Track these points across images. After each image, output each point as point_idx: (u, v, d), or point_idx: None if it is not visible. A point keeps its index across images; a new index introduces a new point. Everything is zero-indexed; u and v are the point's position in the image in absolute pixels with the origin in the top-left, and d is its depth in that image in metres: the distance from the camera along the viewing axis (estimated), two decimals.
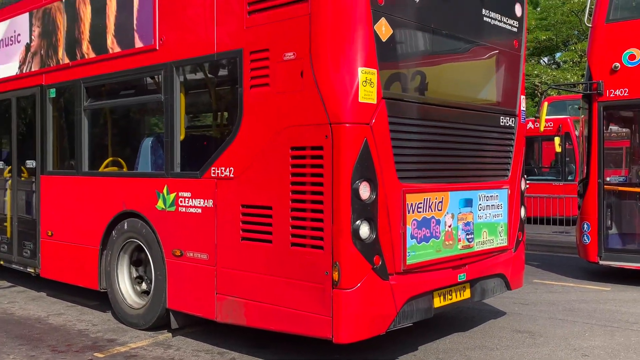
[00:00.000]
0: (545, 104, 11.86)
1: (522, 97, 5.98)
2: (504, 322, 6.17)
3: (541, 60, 29.92)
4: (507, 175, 5.75)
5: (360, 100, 4.21)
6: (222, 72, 5.50)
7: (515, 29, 5.82)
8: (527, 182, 14.31)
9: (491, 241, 5.51)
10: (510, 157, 5.79)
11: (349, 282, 4.17)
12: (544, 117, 9.84)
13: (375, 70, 4.29)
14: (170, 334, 5.56)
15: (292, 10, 4.42)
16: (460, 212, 5.11)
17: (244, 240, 4.76)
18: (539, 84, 26.70)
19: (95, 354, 5.04)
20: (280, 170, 4.49)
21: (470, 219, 5.23)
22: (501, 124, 5.67)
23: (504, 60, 5.78)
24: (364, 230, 4.21)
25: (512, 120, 5.80)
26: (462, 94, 5.43)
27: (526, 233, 11.67)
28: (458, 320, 6.12)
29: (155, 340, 5.42)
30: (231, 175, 4.85)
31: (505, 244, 5.70)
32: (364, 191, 4.21)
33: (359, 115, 4.21)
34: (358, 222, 4.18)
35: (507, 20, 5.72)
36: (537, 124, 12.00)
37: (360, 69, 4.21)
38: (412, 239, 4.60)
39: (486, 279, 5.50)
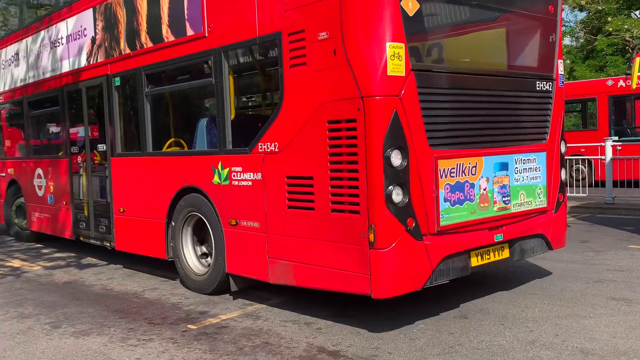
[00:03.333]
0: (638, 59, 11.05)
1: (560, 61, 6.07)
2: (597, 289, 5.91)
3: (632, 14, 28.15)
4: (545, 139, 5.89)
5: (389, 73, 4.50)
6: (264, 54, 5.91)
7: None
8: (620, 143, 13.99)
9: (529, 203, 5.70)
10: (548, 121, 5.92)
11: (384, 242, 4.53)
12: (636, 74, 9.37)
13: (402, 44, 4.56)
14: (258, 305, 5.78)
15: None
16: (495, 176, 5.33)
17: (290, 209, 5.19)
18: (630, 39, 25.44)
19: (189, 326, 5.26)
20: (318, 143, 4.86)
21: (506, 181, 5.44)
22: (537, 88, 5.80)
23: (538, 26, 5.88)
24: (397, 195, 4.54)
25: (549, 85, 5.91)
26: (494, 61, 5.61)
27: (618, 197, 11.55)
28: (548, 289, 5.98)
29: (244, 312, 5.61)
30: (276, 150, 5.28)
31: (545, 206, 5.87)
32: (396, 159, 4.53)
33: (388, 87, 4.51)
34: (390, 187, 4.51)
35: None
36: (628, 82, 11.41)
37: (388, 44, 4.50)
38: (445, 202, 4.89)
39: (525, 239, 5.70)
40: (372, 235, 4.53)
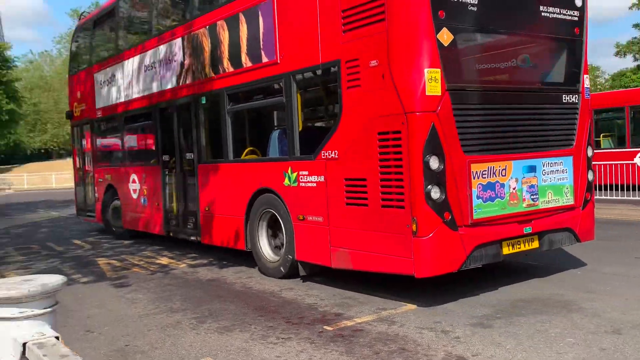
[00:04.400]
0: None
1: (586, 76, 6.89)
2: None
3: None
4: (571, 145, 6.73)
5: (427, 93, 5.52)
6: (326, 78, 7.05)
7: (575, 18, 6.76)
8: None
9: (557, 200, 6.56)
10: (575, 129, 6.76)
11: (424, 232, 5.54)
12: None
13: (438, 70, 5.58)
14: (392, 310, 5.80)
15: (373, 28, 5.83)
16: (524, 177, 6.24)
17: (348, 205, 6.29)
18: None
19: (325, 327, 5.35)
20: (370, 150, 5.94)
21: (534, 182, 6.33)
22: (564, 101, 6.67)
23: (564, 47, 6.75)
24: (435, 193, 5.54)
25: (575, 97, 6.75)
26: (522, 78, 6.53)
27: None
28: None
29: (378, 316, 5.62)
30: (336, 157, 6.39)
31: (572, 203, 6.70)
32: (433, 163, 5.54)
33: (426, 105, 5.53)
34: (429, 186, 5.52)
35: (567, 11, 6.67)
36: None
37: (426, 70, 5.52)
38: (477, 199, 5.85)
39: (554, 232, 6.56)
40: (414, 226, 5.55)
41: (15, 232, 14.47)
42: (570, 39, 6.75)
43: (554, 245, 6.65)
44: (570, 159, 6.70)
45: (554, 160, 6.54)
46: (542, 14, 6.47)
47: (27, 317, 1.33)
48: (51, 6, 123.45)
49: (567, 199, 6.67)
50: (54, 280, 1.41)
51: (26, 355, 1.43)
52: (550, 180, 6.50)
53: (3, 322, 1.32)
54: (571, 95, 6.73)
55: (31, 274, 7.49)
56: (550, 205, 6.49)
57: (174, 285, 7.46)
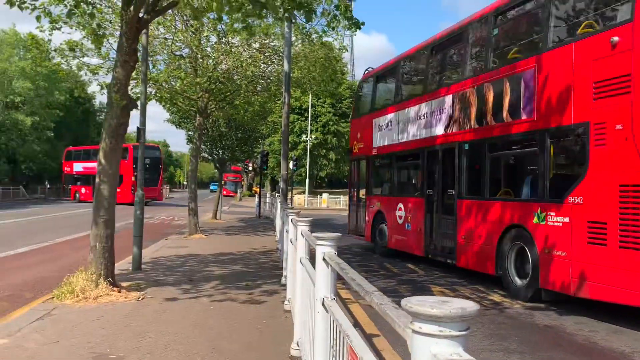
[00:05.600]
0: None
1: None
2: None
3: None
4: None
5: None
6: (576, 135, 8.29)
7: None
8: None
9: None
10: None
11: None
12: None
13: None
14: None
15: (620, 99, 7.06)
16: None
17: (589, 244, 7.48)
18: None
19: None
20: (612, 199, 7.11)
21: None
22: None
23: None
24: None
25: None
26: None
27: None
28: None
29: None
30: (580, 202, 7.65)
31: None
32: None
33: None
34: None
35: None
36: None
37: None
38: None
39: None
40: None
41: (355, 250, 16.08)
42: None
43: None
44: None
45: None
46: None
47: (446, 337, 1.36)
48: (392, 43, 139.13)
49: None
50: (470, 305, 1.39)
51: None
52: None
53: (425, 337, 1.37)
54: None
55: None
56: None
57: (508, 325, 7.31)
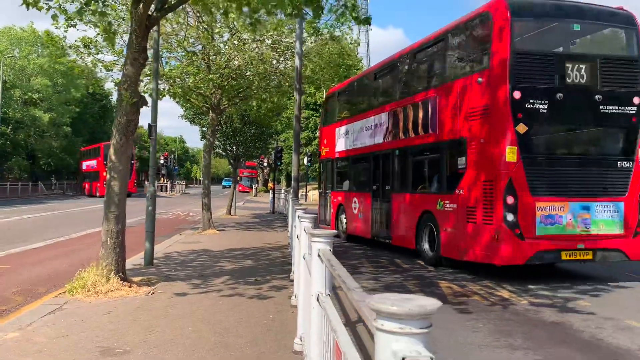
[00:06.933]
0: None
1: None
2: None
3: None
4: (624, 195, 10.10)
5: (507, 160, 9.67)
6: (460, 146, 11.22)
7: (633, 111, 10.13)
8: None
9: (608, 230, 9.92)
10: (627, 185, 10.12)
11: (502, 240, 9.64)
12: None
13: (515, 147, 9.67)
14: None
15: (482, 120, 10.19)
16: (579, 213, 9.86)
17: (467, 222, 10.58)
18: None
19: None
20: (479, 191, 10.21)
21: (587, 217, 9.89)
22: (618, 166, 10.09)
23: (622, 131, 10.21)
24: (510, 217, 9.61)
25: (630, 164, 10.12)
26: (584, 149, 10.37)
27: None
28: None
29: None
30: (462, 193, 10.76)
31: (622, 232, 10.02)
32: (509, 200, 9.61)
33: (506, 167, 9.69)
34: (506, 213, 9.61)
35: (625, 108, 10.06)
36: None
37: (507, 147, 9.68)
38: (540, 223, 9.73)
39: (605, 250, 9.91)
40: (496, 235, 9.70)
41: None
42: (627, 126, 10.16)
43: (606, 259, 10.08)
44: (621, 204, 10.02)
45: (606, 204, 9.97)
46: (602, 111, 9.99)
47: (406, 334, 1.37)
48: (408, 37, 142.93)
49: (618, 230, 9.97)
50: (431, 303, 1.41)
51: None
52: (602, 216, 9.94)
53: (387, 334, 1.40)
54: (626, 162, 10.11)
55: (380, 286, 9.63)
56: (601, 232, 9.92)
57: (514, 321, 7.29)
